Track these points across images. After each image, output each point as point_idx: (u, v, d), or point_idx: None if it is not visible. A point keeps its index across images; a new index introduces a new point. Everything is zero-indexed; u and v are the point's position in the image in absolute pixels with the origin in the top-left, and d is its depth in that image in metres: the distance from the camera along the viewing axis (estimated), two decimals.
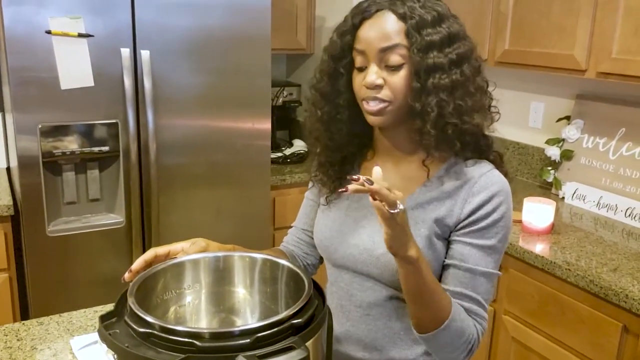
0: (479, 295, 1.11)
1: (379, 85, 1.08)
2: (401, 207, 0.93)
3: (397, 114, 1.11)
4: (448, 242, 1.14)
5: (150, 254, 1.09)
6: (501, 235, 1.12)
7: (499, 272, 1.15)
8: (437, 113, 1.07)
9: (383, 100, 1.09)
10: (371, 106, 1.10)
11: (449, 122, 1.07)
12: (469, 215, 1.11)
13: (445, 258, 1.14)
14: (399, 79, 1.08)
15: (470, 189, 1.12)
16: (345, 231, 1.21)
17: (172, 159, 2.47)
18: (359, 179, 0.90)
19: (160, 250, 1.10)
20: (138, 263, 1.07)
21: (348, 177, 0.94)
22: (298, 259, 1.37)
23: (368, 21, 1.09)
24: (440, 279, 1.14)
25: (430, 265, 1.10)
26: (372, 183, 0.90)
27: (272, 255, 1.13)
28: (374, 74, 1.08)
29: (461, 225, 1.12)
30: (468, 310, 1.11)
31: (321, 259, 1.39)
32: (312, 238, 1.35)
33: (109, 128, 2.33)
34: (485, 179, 1.12)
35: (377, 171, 0.93)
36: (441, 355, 1.12)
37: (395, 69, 1.08)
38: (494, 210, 1.11)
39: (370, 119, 1.13)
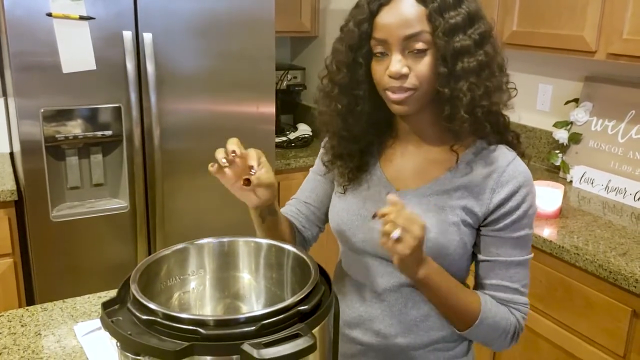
0: (516, 283, 1.14)
1: (405, 75, 1.05)
2: (396, 233, 0.95)
3: (422, 101, 1.08)
4: (477, 233, 1.14)
5: (235, 140, 1.03)
6: (531, 223, 1.14)
7: (531, 255, 1.16)
8: (470, 97, 1.04)
9: (408, 89, 1.06)
10: (397, 95, 1.07)
11: (479, 105, 1.05)
12: (498, 206, 1.10)
13: (479, 253, 1.14)
14: (424, 65, 1.04)
15: (498, 179, 1.10)
16: (365, 215, 1.18)
17: (175, 144, 2.45)
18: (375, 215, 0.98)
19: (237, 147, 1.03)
20: (236, 148, 1.02)
21: (374, 215, 0.98)
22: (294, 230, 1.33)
23: (386, 7, 1.05)
24: (476, 272, 1.17)
25: (456, 252, 1.11)
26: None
27: (277, 240, 1.11)
28: (398, 63, 1.04)
29: (491, 218, 1.11)
30: (507, 301, 1.14)
31: (316, 237, 1.36)
32: (314, 213, 1.32)
33: (111, 112, 2.31)
34: (512, 169, 1.11)
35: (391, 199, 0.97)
36: (481, 343, 1.18)
37: (419, 55, 1.04)
38: (522, 202, 1.10)
39: (395, 108, 1.10)
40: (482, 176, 1.11)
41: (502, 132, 1.15)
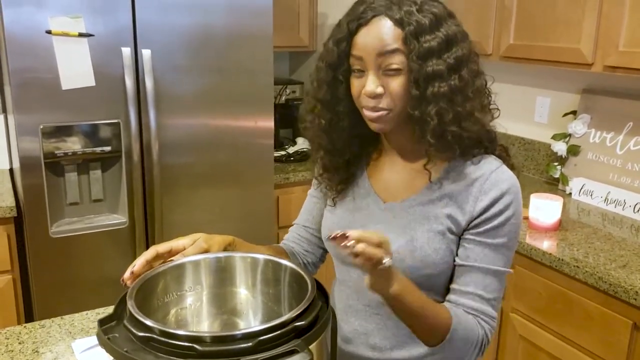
0: (488, 293, 1.12)
1: (379, 94, 1.07)
2: (388, 262, 0.93)
3: (398, 120, 1.10)
4: (459, 240, 1.13)
5: (151, 252, 1.06)
6: (512, 233, 1.12)
7: (509, 270, 1.14)
8: (436, 122, 1.05)
9: (383, 109, 1.08)
10: (372, 114, 1.09)
11: (448, 130, 1.06)
12: (481, 213, 1.10)
13: (457, 257, 1.13)
14: (398, 85, 1.06)
15: (481, 186, 1.10)
16: (353, 229, 1.18)
17: (174, 159, 2.45)
18: (337, 236, 0.90)
19: (161, 248, 1.07)
20: (140, 264, 1.04)
21: (329, 236, 0.93)
22: (298, 256, 1.35)
23: (364, 28, 1.07)
24: (450, 278, 1.15)
25: (444, 261, 1.11)
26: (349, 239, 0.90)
27: (273, 254, 1.12)
28: (372, 83, 1.06)
29: (473, 223, 1.11)
30: (476, 310, 1.12)
31: (321, 259, 1.38)
32: (314, 235, 1.35)
33: (111, 128, 2.31)
34: (495, 176, 1.11)
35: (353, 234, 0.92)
36: (451, 357, 1.13)
37: (393, 74, 1.06)
38: (505, 209, 1.10)
39: (372, 126, 1.12)
40: (466, 184, 1.12)
41: (487, 147, 1.15)
